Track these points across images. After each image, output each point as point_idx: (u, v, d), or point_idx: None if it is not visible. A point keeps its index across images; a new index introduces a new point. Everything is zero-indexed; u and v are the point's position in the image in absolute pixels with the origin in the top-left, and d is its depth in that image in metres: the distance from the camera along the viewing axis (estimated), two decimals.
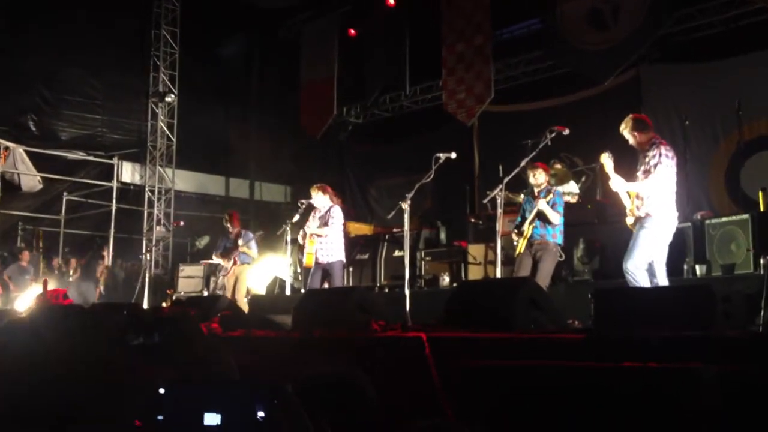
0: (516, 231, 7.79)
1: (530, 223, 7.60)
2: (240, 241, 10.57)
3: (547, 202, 7.52)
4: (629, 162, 6.61)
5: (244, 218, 17.71)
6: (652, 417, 3.03)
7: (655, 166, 6.21)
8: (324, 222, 9.13)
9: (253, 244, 10.77)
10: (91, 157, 15.90)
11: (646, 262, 6.16)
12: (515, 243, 7.80)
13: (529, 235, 7.61)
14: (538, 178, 7.78)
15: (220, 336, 5.32)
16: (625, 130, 6.47)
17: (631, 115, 6.55)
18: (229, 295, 10.43)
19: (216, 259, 11.07)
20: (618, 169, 6.48)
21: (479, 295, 5.54)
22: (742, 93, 9.72)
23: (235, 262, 10.63)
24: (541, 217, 7.57)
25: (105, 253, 13.74)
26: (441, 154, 7.43)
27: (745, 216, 7.63)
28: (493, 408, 3.56)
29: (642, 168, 6.37)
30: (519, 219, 7.90)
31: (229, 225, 10.94)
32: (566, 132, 7.34)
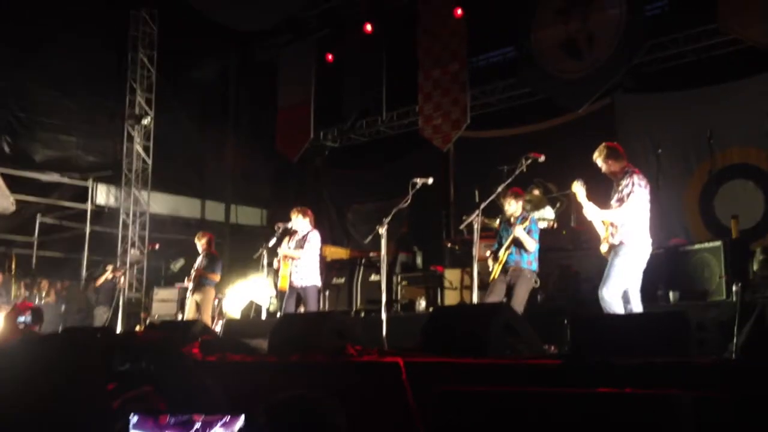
0: (492, 256, 7.83)
1: (506, 249, 7.65)
2: (204, 263, 10.53)
3: (524, 229, 7.57)
4: (604, 189, 6.69)
5: (219, 241, 17.68)
6: None
7: (629, 195, 6.30)
8: (300, 245, 9.11)
9: (216, 268, 10.73)
10: (65, 179, 15.76)
11: (622, 290, 6.22)
12: (490, 269, 7.84)
13: (504, 261, 7.65)
14: (511, 206, 7.83)
15: (199, 361, 5.27)
16: (599, 159, 6.56)
17: (604, 144, 6.63)
18: (190, 317, 10.39)
19: (187, 282, 11.01)
20: (591, 196, 6.56)
21: (455, 320, 5.55)
22: (714, 122, 9.89)
23: (196, 283, 10.59)
24: (517, 243, 7.62)
25: (111, 270, 13.40)
26: (418, 180, 7.47)
27: (718, 243, 7.72)
28: None
29: (616, 196, 6.45)
30: (496, 245, 7.95)
31: (199, 246, 10.86)
32: (542, 159, 7.41)
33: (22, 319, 8.13)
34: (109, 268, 13.44)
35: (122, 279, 12.71)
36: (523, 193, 8.13)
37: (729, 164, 10.50)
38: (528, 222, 7.66)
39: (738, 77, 10.72)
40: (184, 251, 15.07)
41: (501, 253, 7.68)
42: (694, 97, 11.18)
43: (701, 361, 3.75)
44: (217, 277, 10.78)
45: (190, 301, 10.61)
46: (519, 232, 7.55)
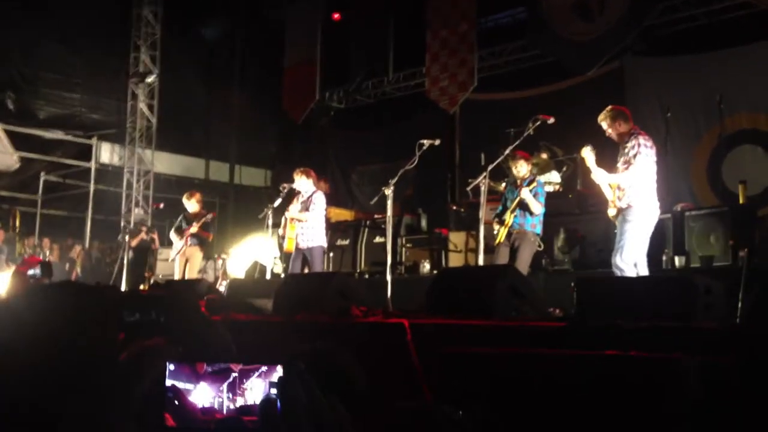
0: (497, 220, 7.81)
1: (511, 212, 7.62)
2: (195, 222, 10.45)
3: (530, 191, 7.54)
4: (611, 154, 6.64)
5: (223, 202, 17.70)
6: (633, 406, 3.04)
7: (635, 156, 6.24)
8: (306, 207, 9.10)
9: (209, 227, 10.67)
10: (69, 137, 15.72)
11: (635, 257, 6.18)
12: (495, 232, 7.82)
13: (509, 224, 7.63)
14: (521, 169, 7.79)
15: (221, 320, 5.29)
16: (604, 122, 6.50)
17: (609, 107, 6.57)
18: (179, 275, 10.37)
19: (172, 236, 10.88)
20: (599, 161, 6.52)
21: (460, 282, 5.55)
22: (724, 86, 9.78)
23: (186, 242, 10.51)
24: (522, 206, 7.59)
25: (145, 231, 13.20)
26: (425, 141, 7.42)
27: (725, 208, 7.69)
28: (474, 395, 3.56)
29: (622, 159, 6.40)
30: (500, 208, 7.92)
31: (189, 204, 10.74)
32: (551, 121, 7.35)
33: (32, 272, 8.15)
34: (144, 228, 13.41)
35: (156, 240, 12.68)
36: (530, 157, 8.07)
37: (738, 129, 10.41)
38: (535, 184, 7.63)
39: (749, 41, 10.57)
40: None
41: (507, 215, 7.65)
42: (705, 61, 11.05)
43: (707, 325, 3.74)
44: (210, 236, 10.73)
45: (180, 259, 10.57)
46: (525, 194, 7.51)
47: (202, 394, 1.34)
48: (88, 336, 1.24)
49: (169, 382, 1.29)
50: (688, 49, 11.37)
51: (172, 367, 1.28)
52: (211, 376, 1.38)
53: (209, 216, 10.56)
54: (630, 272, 6.14)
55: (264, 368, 1.34)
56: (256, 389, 1.35)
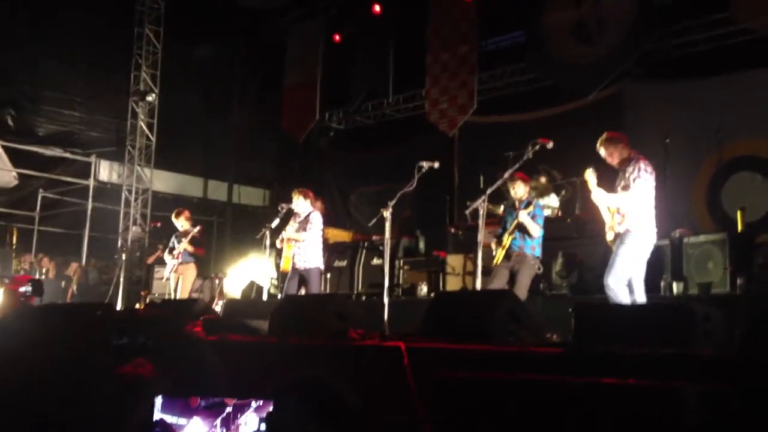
0: (496, 241, 7.79)
1: (510, 234, 7.60)
2: (184, 239, 10.45)
3: (528, 214, 7.53)
4: (611, 178, 6.64)
5: (221, 221, 17.69)
6: None
7: (634, 180, 6.25)
8: (303, 227, 9.08)
9: (198, 242, 10.65)
10: (68, 155, 15.73)
11: (627, 278, 6.18)
12: (494, 254, 7.80)
13: (507, 246, 7.61)
14: (518, 190, 7.79)
15: (200, 339, 5.25)
16: (602, 148, 6.53)
17: (605, 134, 6.60)
18: (173, 294, 10.36)
19: (166, 257, 10.89)
20: (601, 185, 6.52)
21: (458, 305, 5.51)
22: (724, 113, 9.81)
23: (178, 259, 10.50)
24: (521, 228, 7.58)
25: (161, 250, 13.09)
26: (424, 163, 7.41)
27: (723, 235, 7.67)
28: (471, 420, 3.53)
29: (621, 184, 6.40)
30: (501, 230, 7.90)
31: (178, 223, 10.75)
32: (550, 145, 7.34)
33: (23, 289, 8.13)
34: (160, 247, 13.39)
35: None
36: (529, 179, 8.07)
37: (737, 156, 10.41)
38: (532, 207, 7.62)
39: (749, 67, 10.61)
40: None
41: (505, 237, 7.64)
42: (704, 87, 11.08)
43: (705, 353, 3.71)
44: (201, 251, 10.72)
45: (174, 277, 10.57)
46: (523, 216, 7.50)
47: (195, 430, 1.33)
48: (75, 361, 1.23)
49: (158, 416, 1.28)
50: (688, 74, 11.41)
51: (160, 401, 1.27)
52: (205, 411, 1.36)
53: (195, 231, 10.53)
54: (621, 292, 6.13)
55: (259, 402, 1.32)
56: (251, 424, 1.33)
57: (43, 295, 8.74)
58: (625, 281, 6.18)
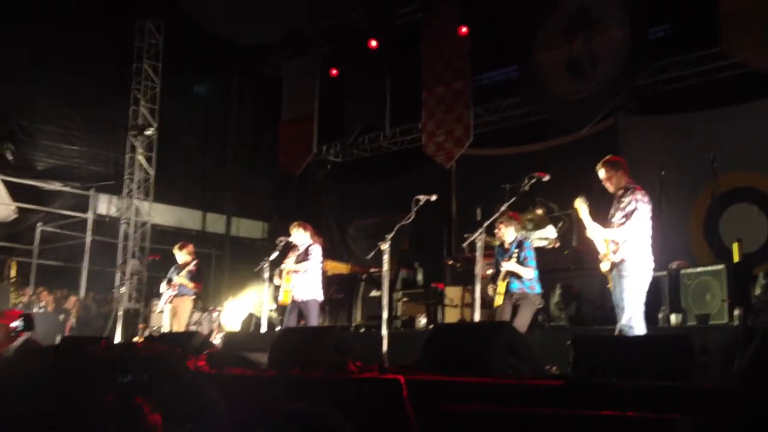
0: (491, 286, 7.79)
1: (502, 280, 7.62)
2: (182, 272, 10.39)
3: (518, 259, 7.54)
4: (605, 207, 6.66)
5: (219, 253, 17.70)
6: None
7: (632, 212, 6.27)
8: (302, 260, 9.11)
9: (199, 277, 10.59)
10: (67, 188, 15.79)
11: (641, 310, 6.15)
12: (493, 297, 7.79)
13: (504, 291, 7.63)
14: (507, 235, 7.81)
15: (203, 373, 5.25)
16: (602, 169, 6.52)
17: (609, 156, 6.62)
18: (167, 327, 10.29)
19: (162, 288, 10.81)
20: (593, 214, 6.55)
21: (457, 337, 5.53)
22: (718, 145, 9.89)
23: (174, 291, 10.44)
24: (514, 274, 7.61)
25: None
26: (421, 197, 7.45)
27: (720, 267, 7.71)
28: None
29: (617, 213, 6.40)
30: (494, 272, 7.91)
31: (180, 255, 10.68)
32: (546, 178, 7.39)
33: (14, 324, 8.11)
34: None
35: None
36: (518, 217, 8.10)
37: (734, 187, 10.48)
38: (523, 249, 7.64)
39: (741, 101, 10.74)
40: None
41: (499, 283, 7.65)
42: (697, 120, 11.21)
43: (703, 385, 3.73)
44: (197, 286, 10.64)
45: (169, 309, 10.50)
46: (510, 266, 7.55)
47: None
48: (76, 399, 1.26)
49: None
50: (680, 108, 11.55)
51: None
52: None
53: (191, 265, 10.47)
54: (639, 326, 6.10)
55: None
56: None
57: (34, 330, 8.68)
58: (641, 313, 6.14)
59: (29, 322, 8.34)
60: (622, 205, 6.36)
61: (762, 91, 10.47)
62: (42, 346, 6.47)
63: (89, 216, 15.73)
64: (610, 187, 6.52)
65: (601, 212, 6.63)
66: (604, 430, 3.21)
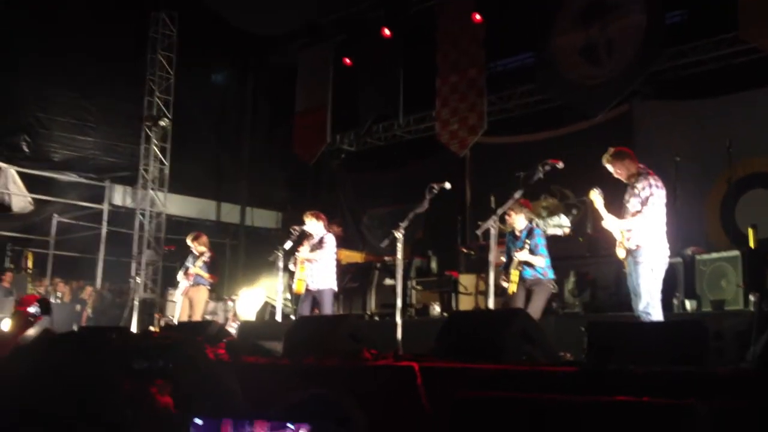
0: (504, 276, 7.75)
1: (515, 269, 7.58)
2: (197, 262, 10.42)
3: (529, 247, 7.50)
4: (621, 196, 6.64)
5: (234, 243, 17.77)
6: None
7: (647, 198, 6.23)
8: (317, 249, 9.14)
9: (214, 268, 10.61)
10: (83, 180, 15.88)
11: (658, 296, 6.14)
12: (505, 286, 7.75)
13: (518, 279, 7.59)
14: (518, 222, 7.76)
15: (230, 363, 5.29)
16: (609, 164, 6.51)
17: (611, 149, 6.58)
18: (184, 317, 10.33)
19: (179, 277, 10.86)
20: (609, 204, 6.52)
21: (471, 325, 5.53)
22: (734, 131, 9.82)
23: (189, 281, 10.46)
24: (526, 263, 7.58)
25: None
26: (435, 185, 7.43)
27: (736, 252, 7.68)
28: None
29: (632, 200, 6.37)
30: (506, 261, 7.88)
31: (193, 246, 10.71)
32: (560, 165, 7.34)
33: (32, 310, 8.15)
34: None
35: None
36: (529, 205, 8.05)
37: (751, 173, 10.41)
38: (533, 237, 7.60)
39: (758, 86, 10.64)
40: None
41: (512, 271, 7.61)
42: (714, 106, 11.12)
43: (718, 370, 3.73)
44: (213, 279, 10.66)
45: (183, 300, 10.55)
46: (522, 256, 7.50)
47: None
48: (94, 385, 1.27)
49: None
50: (697, 93, 11.45)
51: (200, 422, 1.31)
52: None
53: (206, 256, 10.50)
54: (656, 313, 6.09)
55: (291, 428, 1.36)
56: None
57: (51, 314, 8.72)
58: (658, 302, 6.12)
59: (46, 306, 8.37)
60: (637, 191, 6.32)
61: None
62: (62, 333, 6.51)
63: (105, 207, 15.82)
64: (621, 177, 6.50)
65: (616, 202, 6.60)
66: (620, 416, 3.21)
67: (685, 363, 3.65)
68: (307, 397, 2.43)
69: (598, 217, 6.77)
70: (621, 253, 6.42)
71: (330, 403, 2.48)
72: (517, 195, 7.60)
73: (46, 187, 15.21)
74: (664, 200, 6.36)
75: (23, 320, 8.07)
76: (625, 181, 6.50)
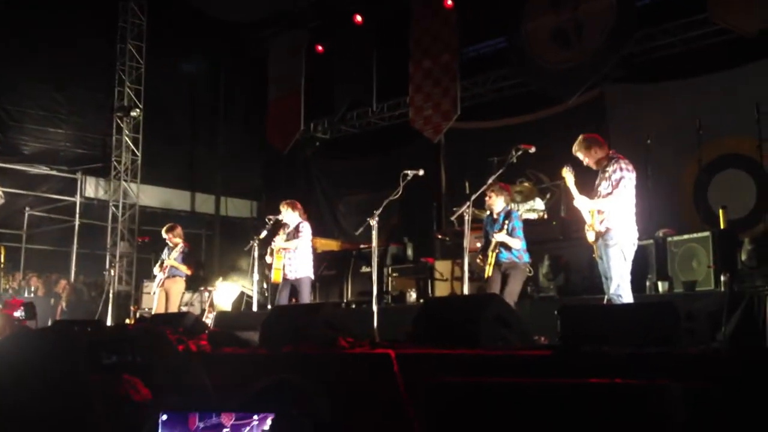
0: (481, 257, 7.80)
1: (492, 251, 7.62)
2: (173, 254, 10.36)
3: (507, 230, 7.54)
4: (592, 177, 6.69)
5: (209, 233, 17.69)
6: None
7: (618, 181, 6.28)
8: (292, 237, 9.12)
9: (189, 260, 10.54)
10: (54, 172, 15.72)
11: (628, 280, 6.21)
12: (483, 268, 7.80)
13: (494, 261, 7.63)
14: (496, 205, 7.79)
15: (207, 354, 5.27)
16: (579, 152, 6.56)
17: (581, 136, 6.63)
18: (160, 309, 10.28)
19: (155, 271, 10.81)
20: (579, 184, 6.57)
21: (446, 311, 5.55)
22: (705, 112, 9.90)
23: (164, 274, 10.40)
24: (503, 244, 7.62)
25: None
26: (409, 171, 7.47)
27: (706, 233, 7.76)
28: (462, 425, 3.57)
29: (603, 183, 6.42)
30: (483, 243, 7.93)
31: (167, 238, 10.64)
32: (532, 150, 7.41)
33: (17, 314, 8.12)
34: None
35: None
36: (508, 188, 8.10)
37: (722, 154, 10.52)
38: (511, 219, 7.64)
39: (728, 67, 10.74)
40: None
41: (489, 252, 7.66)
42: (684, 87, 11.21)
43: (690, 351, 3.77)
44: (189, 270, 10.59)
45: (159, 292, 10.49)
46: (500, 237, 7.54)
47: None
48: (65, 380, 1.26)
49: None
50: (667, 75, 11.54)
51: (165, 417, 1.30)
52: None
53: (181, 247, 10.44)
54: (626, 295, 6.16)
55: (256, 420, 1.36)
56: None
57: (36, 318, 8.70)
58: (628, 285, 6.19)
59: (31, 310, 8.36)
60: (607, 174, 6.37)
61: (748, 57, 10.48)
62: (32, 331, 6.47)
63: (77, 199, 15.68)
64: (591, 165, 6.55)
65: (588, 184, 6.65)
66: (593, 398, 3.24)
67: (657, 344, 3.69)
68: (272, 383, 2.44)
69: (571, 200, 6.81)
70: (591, 236, 6.45)
71: (294, 389, 2.49)
72: (490, 181, 7.65)
73: (17, 181, 15.04)
74: (635, 182, 6.41)
75: (8, 323, 8.03)
76: (594, 168, 6.55)
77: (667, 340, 3.72)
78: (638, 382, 3.19)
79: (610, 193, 6.32)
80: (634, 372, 3.37)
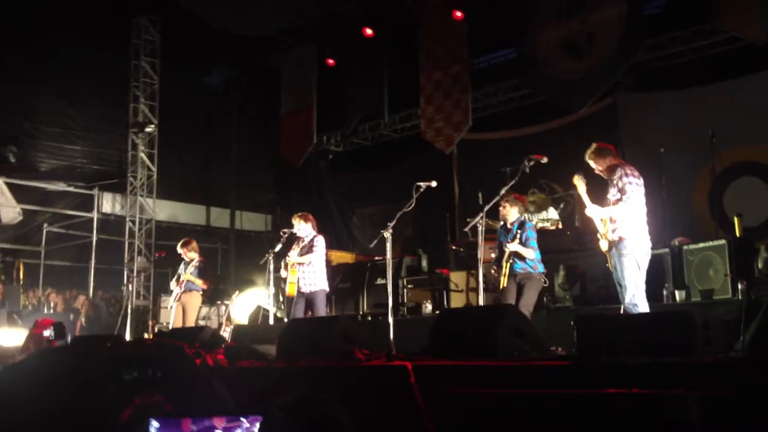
0: (495, 268, 7.82)
1: (506, 261, 7.64)
2: (189, 269, 10.39)
3: (520, 240, 7.56)
4: (604, 186, 6.70)
5: (224, 247, 17.77)
6: None
7: (624, 189, 6.30)
8: (307, 251, 9.15)
9: (205, 274, 10.57)
10: (71, 188, 15.86)
11: (641, 289, 6.20)
12: (497, 279, 7.82)
13: (508, 272, 7.64)
14: (510, 215, 7.82)
15: (225, 368, 5.30)
16: (591, 160, 6.62)
17: (594, 145, 6.67)
18: (177, 323, 10.30)
19: (172, 286, 10.84)
20: (591, 192, 6.59)
21: (462, 322, 5.56)
22: (718, 120, 9.88)
23: (181, 288, 10.42)
24: (517, 254, 7.63)
25: None
26: (422, 183, 7.49)
27: (722, 242, 7.73)
28: None
29: (611, 190, 6.45)
30: (497, 254, 7.95)
31: (183, 252, 10.72)
32: (544, 160, 7.42)
33: (46, 333, 8.19)
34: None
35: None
36: (522, 198, 8.11)
37: (737, 162, 10.47)
38: (524, 230, 7.66)
39: (738, 75, 10.72)
40: None
41: (503, 263, 7.67)
42: (695, 96, 11.18)
43: (707, 360, 3.77)
44: (205, 284, 10.61)
45: (177, 306, 10.52)
46: (514, 247, 7.55)
47: None
48: (87, 396, 1.30)
49: None
50: (679, 84, 11.52)
51: (156, 424, 1.33)
52: None
53: (197, 262, 10.46)
54: (642, 304, 6.16)
55: (246, 423, 1.40)
56: None
57: (66, 338, 8.74)
58: (643, 294, 6.19)
59: (61, 330, 8.43)
60: (614, 182, 6.41)
61: (759, 65, 10.45)
62: (53, 347, 6.53)
63: (94, 215, 15.80)
64: (603, 174, 6.59)
65: (601, 193, 6.66)
66: (611, 408, 3.25)
67: (673, 353, 3.69)
68: (295, 398, 2.46)
69: (582, 205, 6.82)
70: (603, 245, 6.47)
71: (317, 404, 2.51)
72: (503, 191, 7.67)
73: (34, 198, 15.19)
74: (643, 190, 6.43)
75: (38, 343, 8.10)
76: (605, 176, 6.57)
77: (683, 349, 3.73)
78: (656, 391, 3.20)
79: (619, 200, 6.34)
80: (650, 382, 3.37)
